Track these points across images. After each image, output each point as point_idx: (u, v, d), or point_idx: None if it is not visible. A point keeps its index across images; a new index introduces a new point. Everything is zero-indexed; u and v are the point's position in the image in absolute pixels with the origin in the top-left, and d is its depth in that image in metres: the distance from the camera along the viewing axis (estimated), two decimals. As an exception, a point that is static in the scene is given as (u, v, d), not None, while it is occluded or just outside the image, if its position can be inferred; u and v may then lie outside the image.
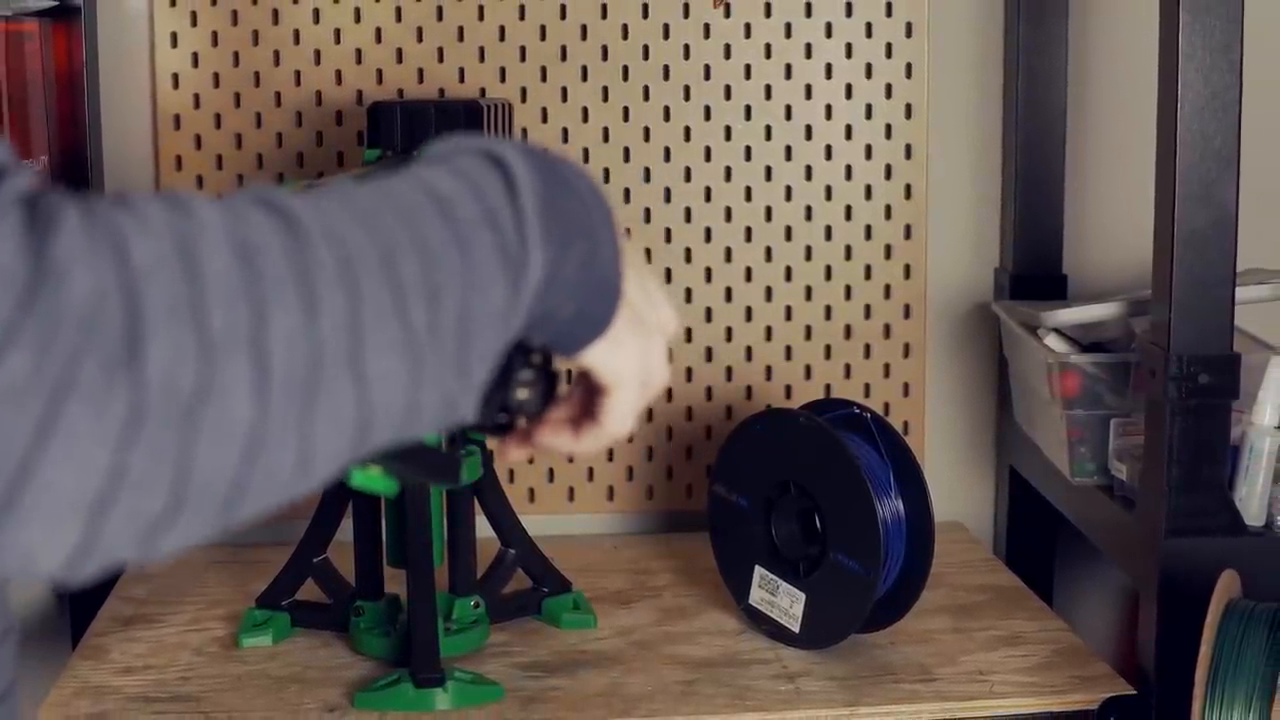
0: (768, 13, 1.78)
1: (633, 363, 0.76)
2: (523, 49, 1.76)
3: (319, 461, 0.55)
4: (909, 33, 1.79)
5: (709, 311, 1.81)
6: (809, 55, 1.79)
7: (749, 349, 1.83)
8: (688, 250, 1.80)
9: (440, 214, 0.61)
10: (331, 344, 0.54)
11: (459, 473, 0.85)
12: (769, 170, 1.80)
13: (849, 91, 1.80)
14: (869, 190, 1.81)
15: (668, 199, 1.79)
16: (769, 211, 1.80)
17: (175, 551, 0.53)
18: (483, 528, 1.52)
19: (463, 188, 0.63)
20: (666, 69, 1.78)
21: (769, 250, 1.81)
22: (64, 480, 0.48)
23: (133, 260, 0.49)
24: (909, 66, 1.80)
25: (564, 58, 1.76)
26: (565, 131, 1.77)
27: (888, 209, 1.82)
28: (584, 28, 1.76)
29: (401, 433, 0.59)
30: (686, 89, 1.78)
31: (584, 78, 1.77)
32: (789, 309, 1.82)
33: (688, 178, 1.79)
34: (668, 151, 1.79)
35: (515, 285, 0.63)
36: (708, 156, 1.79)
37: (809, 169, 1.80)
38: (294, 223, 0.55)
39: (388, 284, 0.56)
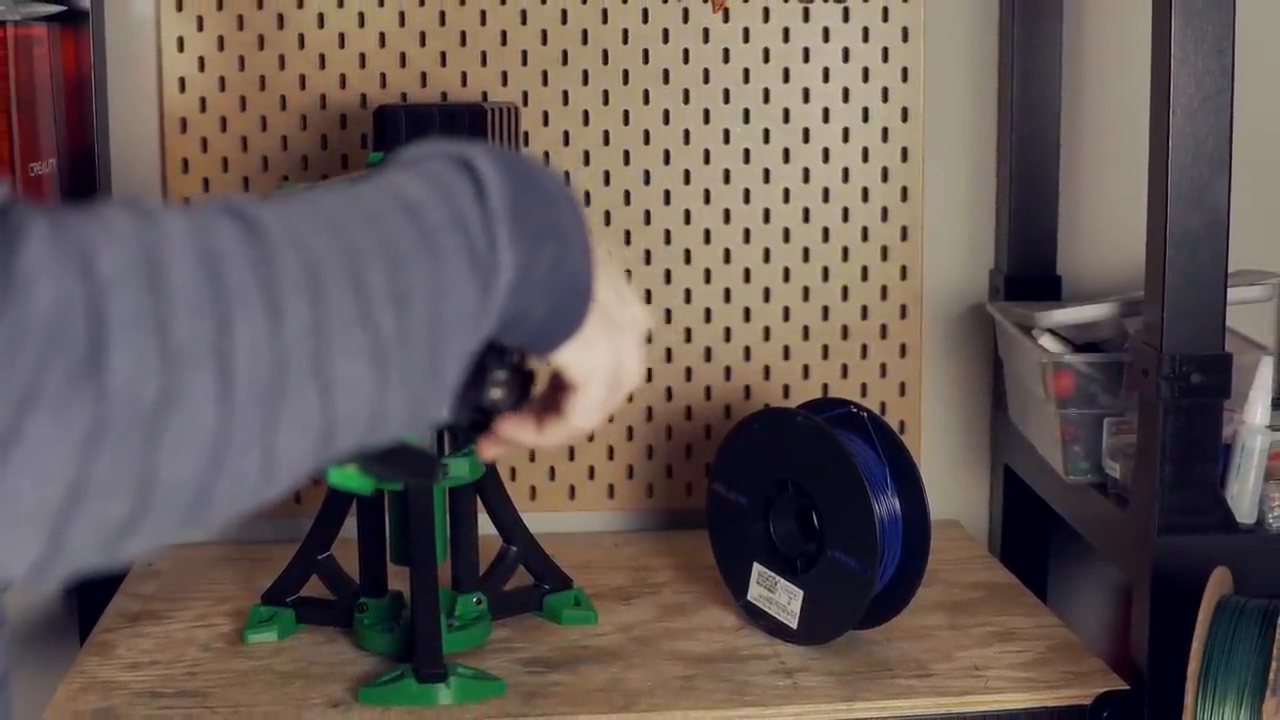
0: (766, 17, 1.79)
1: (604, 361, 0.76)
2: (524, 53, 1.77)
3: (284, 468, 0.55)
4: (905, 37, 1.81)
5: (708, 312, 1.83)
6: (807, 59, 1.80)
7: (747, 349, 1.84)
8: (687, 252, 1.82)
9: (408, 219, 0.61)
10: (296, 351, 0.54)
11: (437, 472, 0.85)
12: (767, 172, 1.82)
13: (846, 95, 1.81)
14: (866, 192, 1.83)
15: (667, 201, 1.81)
16: (767, 213, 1.82)
17: (141, 556, 0.53)
18: (485, 525, 1.54)
19: (431, 192, 0.63)
20: (666, 73, 1.79)
21: (767, 251, 1.83)
22: (28, 489, 0.48)
23: (98, 272, 0.49)
24: (905, 70, 1.82)
25: (565, 62, 1.78)
26: (566, 135, 1.79)
27: (884, 211, 1.84)
28: (585, 32, 1.78)
29: (368, 438, 0.60)
30: (686, 92, 1.80)
31: (585, 81, 1.79)
32: (787, 309, 1.84)
33: (687, 180, 1.81)
34: (667, 154, 1.81)
35: (485, 288, 0.64)
36: (706, 159, 1.81)
37: (807, 171, 1.82)
38: (259, 231, 0.55)
39: (354, 290, 0.57)
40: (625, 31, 1.78)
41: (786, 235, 1.83)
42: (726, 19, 1.79)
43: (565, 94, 1.79)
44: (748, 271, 1.83)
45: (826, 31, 1.80)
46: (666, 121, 1.80)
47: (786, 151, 1.81)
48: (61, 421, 0.48)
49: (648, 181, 1.81)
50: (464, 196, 0.64)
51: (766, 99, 1.80)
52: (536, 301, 0.69)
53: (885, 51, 1.81)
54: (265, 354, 0.53)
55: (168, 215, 0.53)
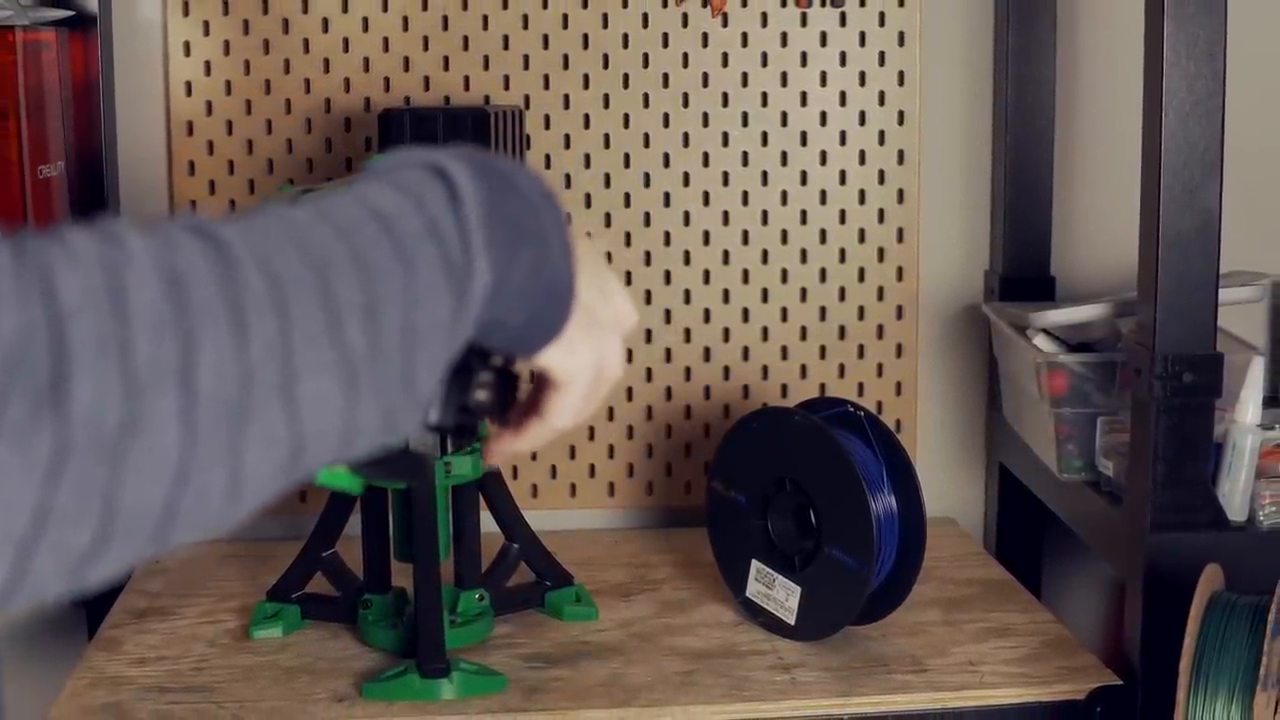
0: (764, 22, 1.81)
1: (586, 362, 0.75)
2: (526, 57, 1.79)
3: (251, 486, 0.54)
4: (901, 42, 1.83)
5: (707, 313, 1.85)
6: (804, 63, 1.82)
7: (746, 349, 1.86)
8: (686, 253, 1.83)
9: (381, 229, 0.61)
10: (261, 369, 0.53)
11: (425, 472, 0.84)
12: (765, 175, 1.83)
13: (843, 99, 1.83)
14: (862, 195, 1.85)
15: (667, 203, 1.83)
16: (765, 215, 1.84)
17: (107, 580, 0.53)
18: (487, 523, 1.55)
19: (404, 201, 0.63)
20: (666, 76, 1.81)
21: (765, 253, 1.84)
22: None
23: (60, 299, 0.49)
24: (901, 74, 1.83)
25: (566, 66, 1.80)
26: (567, 138, 1.81)
27: (880, 213, 1.85)
28: (585, 36, 1.79)
29: (339, 453, 0.59)
30: (685, 96, 1.81)
31: (585, 85, 1.80)
32: (785, 310, 1.85)
33: (686, 182, 1.83)
34: (667, 157, 1.82)
35: (461, 295, 0.63)
36: (706, 161, 1.82)
37: (804, 174, 1.84)
38: (224, 248, 0.54)
39: (322, 305, 0.56)
40: (625, 36, 1.80)
41: (784, 237, 1.84)
42: (725, 23, 1.81)
43: (566, 97, 1.80)
44: (746, 273, 1.84)
45: (824, 36, 1.82)
46: (666, 125, 1.81)
47: (784, 154, 1.83)
48: (23, 450, 0.47)
49: (648, 184, 1.82)
50: (437, 204, 0.64)
51: (765, 102, 1.82)
52: (515, 306, 0.68)
53: (882, 56, 1.83)
54: (230, 372, 0.52)
55: (131, 235, 0.53)
